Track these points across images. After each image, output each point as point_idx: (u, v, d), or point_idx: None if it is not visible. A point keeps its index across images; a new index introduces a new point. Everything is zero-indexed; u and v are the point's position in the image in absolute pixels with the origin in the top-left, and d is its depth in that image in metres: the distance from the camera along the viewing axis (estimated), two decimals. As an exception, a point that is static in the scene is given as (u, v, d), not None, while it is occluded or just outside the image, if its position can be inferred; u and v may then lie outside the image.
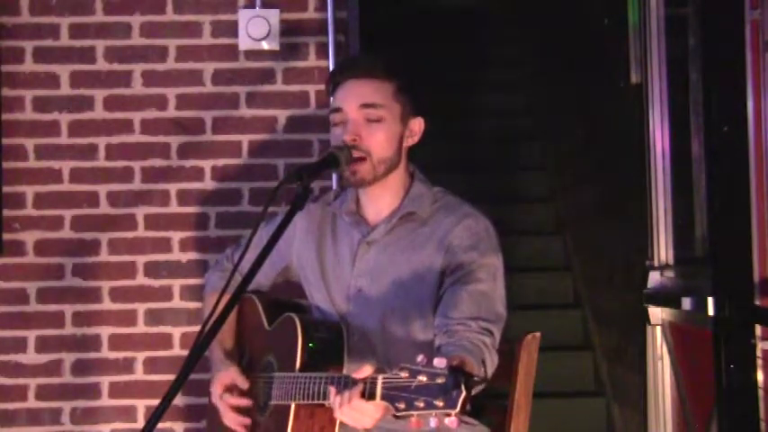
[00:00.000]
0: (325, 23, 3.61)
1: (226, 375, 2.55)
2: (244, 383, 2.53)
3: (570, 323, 5.49)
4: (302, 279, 2.63)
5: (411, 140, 2.51)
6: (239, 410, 2.53)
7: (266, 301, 2.65)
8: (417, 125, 2.51)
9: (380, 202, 2.52)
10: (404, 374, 1.92)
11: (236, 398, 2.52)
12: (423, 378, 1.89)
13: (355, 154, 2.41)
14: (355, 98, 2.45)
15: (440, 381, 1.87)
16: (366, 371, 2.04)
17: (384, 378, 1.97)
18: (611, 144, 4.93)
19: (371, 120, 2.44)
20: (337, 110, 2.47)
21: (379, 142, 2.43)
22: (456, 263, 2.41)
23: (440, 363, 1.88)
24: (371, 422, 2.08)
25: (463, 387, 1.85)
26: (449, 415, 1.86)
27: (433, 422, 1.88)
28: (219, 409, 2.55)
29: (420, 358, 1.91)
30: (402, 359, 1.97)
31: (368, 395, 2.01)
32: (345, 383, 2.10)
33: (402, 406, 1.91)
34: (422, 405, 1.88)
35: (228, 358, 2.60)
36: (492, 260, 2.44)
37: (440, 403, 1.86)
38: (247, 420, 2.51)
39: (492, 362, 2.32)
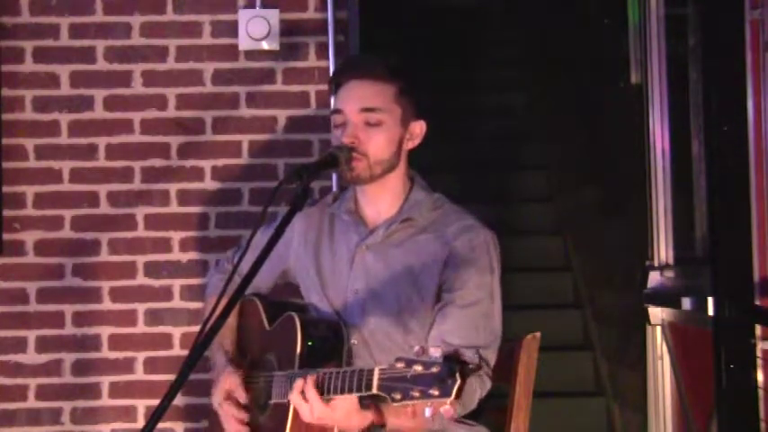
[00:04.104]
0: (326, 23, 3.61)
1: (227, 382, 2.54)
2: (241, 395, 2.52)
3: (570, 323, 5.48)
4: (300, 281, 2.63)
5: (411, 143, 2.51)
6: (239, 418, 2.52)
7: (267, 303, 2.65)
8: (419, 128, 2.51)
9: (379, 203, 2.52)
10: (400, 365, 1.94)
11: (234, 408, 2.51)
12: (418, 368, 1.91)
13: (354, 156, 2.41)
14: (356, 101, 2.44)
15: (435, 370, 1.89)
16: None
17: (380, 369, 2.01)
18: (611, 144, 4.93)
19: (371, 123, 2.43)
20: (338, 111, 2.47)
21: (377, 145, 2.43)
22: (452, 279, 2.42)
23: (435, 352, 1.91)
24: (313, 417, 2.20)
25: (458, 375, 1.87)
26: (444, 403, 1.87)
27: (428, 411, 1.89)
28: (220, 416, 2.55)
29: (417, 349, 1.93)
30: None
31: (365, 387, 2.04)
32: (342, 377, 2.14)
33: (398, 396, 1.93)
34: (417, 394, 1.90)
35: (231, 364, 2.59)
36: (488, 278, 2.44)
37: (435, 392, 1.88)
38: (246, 429, 2.51)
39: (480, 387, 2.35)
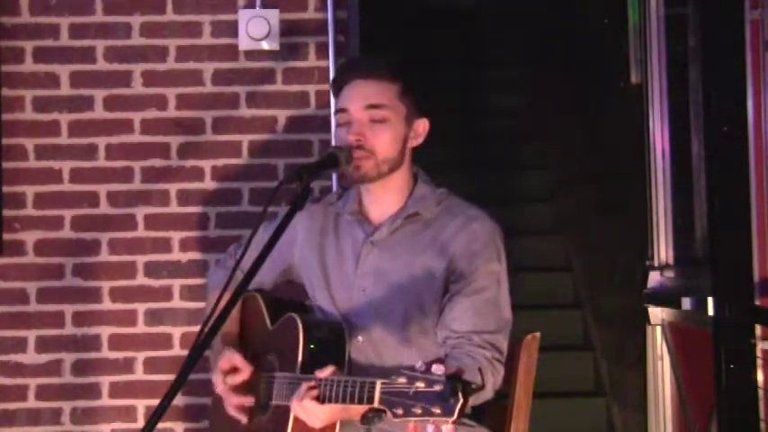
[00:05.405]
0: (326, 23, 3.61)
1: (224, 360, 2.53)
2: (243, 363, 2.51)
3: (570, 323, 5.49)
4: (304, 279, 2.63)
5: (415, 141, 2.53)
6: (240, 390, 2.51)
7: (269, 300, 2.65)
8: (422, 126, 2.53)
9: (384, 202, 2.53)
10: (402, 380, 1.93)
11: (234, 377, 2.51)
12: (420, 384, 1.90)
13: (360, 154, 2.42)
14: (360, 99, 2.46)
15: (437, 388, 1.88)
16: (327, 371, 2.18)
17: (382, 383, 2.00)
18: (611, 144, 4.93)
19: (376, 120, 2.45)
20: (342, 110, 2.48)
21: (383, 142, 2.44)
22: (459, 270, 2.43)
23: (437, 369, 1.90)
24: (319, 423, 2.21)
25: (460, 395, 1.87)
26: (446, 422, 1.87)
27: (430, 429, 1.89)
28: (222, 396, 2.54)
29: (419, 364, 1.93)
30: (402, 361, 1.98)
31: (366, 399, 2.04)
32: (343, 387, 2.13)
33: (400, 412, 1.92)
34: (419, 411, 1.89)
35: (227, 346, 2.58)
36: (496, 266, 2.46)
37: (437, 410, 1.87)
38: (250, 400, 2.50)
39: (493, 374, 2.35)
